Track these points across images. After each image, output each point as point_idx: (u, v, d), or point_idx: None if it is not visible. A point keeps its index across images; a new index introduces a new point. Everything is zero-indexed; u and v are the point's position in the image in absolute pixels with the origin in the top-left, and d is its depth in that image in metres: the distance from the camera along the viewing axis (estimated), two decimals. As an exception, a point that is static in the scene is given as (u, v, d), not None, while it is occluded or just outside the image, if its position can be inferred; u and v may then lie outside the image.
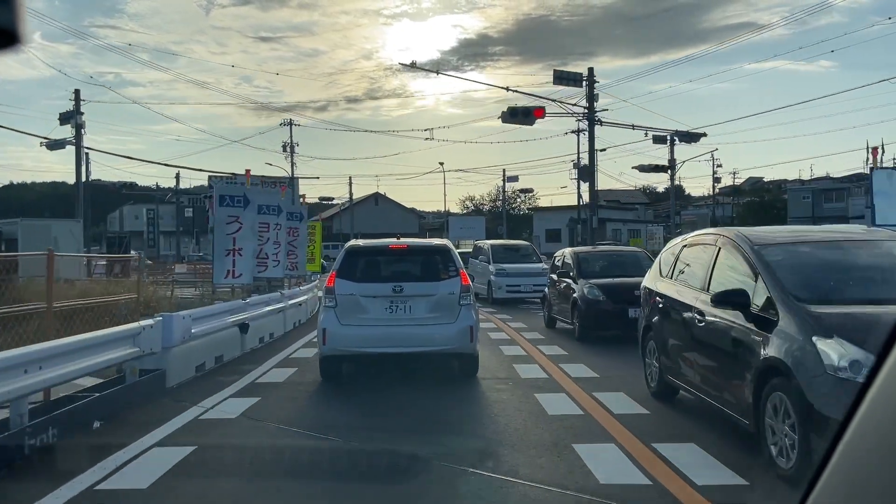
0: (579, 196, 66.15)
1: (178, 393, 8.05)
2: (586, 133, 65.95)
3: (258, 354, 11.28)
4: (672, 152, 38.97)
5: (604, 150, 45.06)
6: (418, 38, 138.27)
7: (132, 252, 71.00)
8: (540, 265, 21.86)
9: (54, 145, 29.04)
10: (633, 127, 24.97)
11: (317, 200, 68.50)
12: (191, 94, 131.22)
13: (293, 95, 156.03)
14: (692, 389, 6.41)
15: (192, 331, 8.86)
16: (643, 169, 37.37)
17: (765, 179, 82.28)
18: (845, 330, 4.38)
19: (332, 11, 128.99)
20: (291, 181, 66.80)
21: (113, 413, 6.72)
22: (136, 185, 70.94)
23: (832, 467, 0.94)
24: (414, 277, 8.63)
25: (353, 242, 9.44)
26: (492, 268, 21.53)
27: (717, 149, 35.04)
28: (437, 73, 37.75)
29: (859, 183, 63.12)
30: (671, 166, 38.01)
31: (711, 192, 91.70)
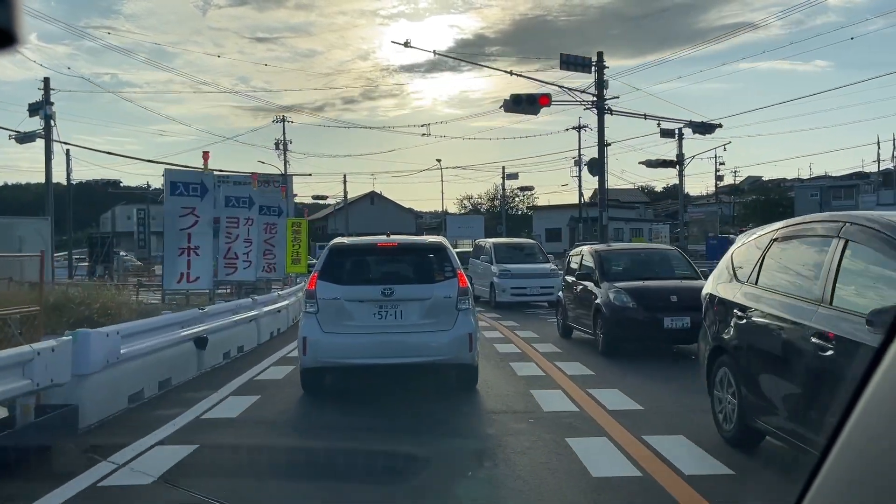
0: (581, 194, 64.26)
1: (93, 436, 6.10)
2: (588, 129, 63.98)
3: (218, 375, 9.32)
4: (680, 146, 37.11)
5: (608, 144, 43.09)
6: (415, 38, 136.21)
7: (122, 253, 69.10)
8: (548, 265, 19.93)
9: (24, 138, 27.01)
10: (644, 117, 23.09)
11: (311, 199, 66.24)
12: (187, 94, 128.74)
13: (290, 96, 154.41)
14: (797, 441, 4.47)
15: (123, 351, 6.91)
16: (651, 164, 35.48)
17: (764, 178, 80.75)
18: None
19: (329, 12, 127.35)
20: (285, 179, 64.96)
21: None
22: (120, 183, 68.88)
23: (830, 464, 0.92)
24: (406, 279, 7.82)
25: (337, 240, 8.58)
26: (495, 268, 19.60)
27: (730, 142, 33.20)
28: (434, 52, 35.63)
29: (868, 180, 61.47)
30: (679, 161, 36.14)
31: (711, 191, 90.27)
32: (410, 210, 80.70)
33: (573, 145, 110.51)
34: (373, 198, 77.04)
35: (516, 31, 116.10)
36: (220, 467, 5.50)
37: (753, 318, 5.13)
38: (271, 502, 4.63)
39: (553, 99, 21.77)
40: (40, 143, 26.73)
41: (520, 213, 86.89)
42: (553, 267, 20.24)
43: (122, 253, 76.06)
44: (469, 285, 7.91)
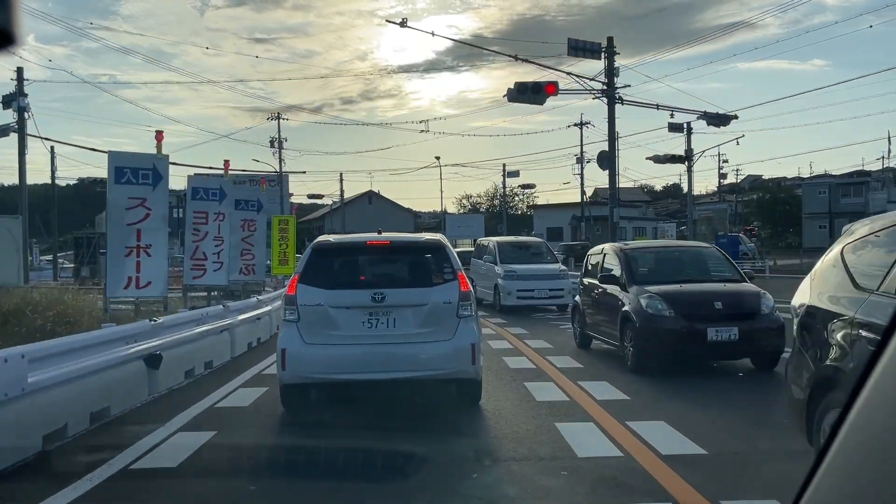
0: (583, 192, 62.81)
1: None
2: (591, 126, 62.30)
3: (172, 401, 7.73)
4: (689, 141, 35.56)
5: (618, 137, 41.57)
6: (413, 38, 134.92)
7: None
8: (556, 266, 18.37)
9: (-3, 132, 25.37)
10: (657, 107, 21.53)
11: (307, 199, 64.61)
12: (186, 95, 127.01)
13: (289, 97, 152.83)
14: None
15: (32, 379, 5.32)
16: (658, 160, 33.85)
17: (763, 177, 79.20)
18: None
19: (326, 13, 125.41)
20: (279, 178, 63.32)
21: None
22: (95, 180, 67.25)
23: (828, 462, 0.92)
24: (399, 282, 6.93)
25: (322, 238, 7.44)
26: (499, 269, 18.02)
27: (743, 135, 31.63)
28: (433, 34, 34.16)
29: (872, 177, 59.91)
30: (688, 156, 34.54)
31: (711, 190, 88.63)
32: (409, 210, 79.06)
33: (573, 142, 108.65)
34: (370, 197, 75.43)
35: (514, 31, 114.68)
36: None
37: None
38: None
39: (560, 88, 20.23)
40: (35, 142, 25.11)
41: (519, 212, 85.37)
42: (562, 268, 18.69)
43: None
44: (471, 289, 6.86)
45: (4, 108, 25.44)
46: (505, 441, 5.84)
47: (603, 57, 20.34)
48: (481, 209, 79.52)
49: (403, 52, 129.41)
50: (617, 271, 9.82)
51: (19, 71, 25.13)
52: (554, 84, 19.21)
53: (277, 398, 6.92)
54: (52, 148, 37.33)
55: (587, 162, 60.94)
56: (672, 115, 22.34)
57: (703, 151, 34.74)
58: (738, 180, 73.94)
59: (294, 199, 73.35)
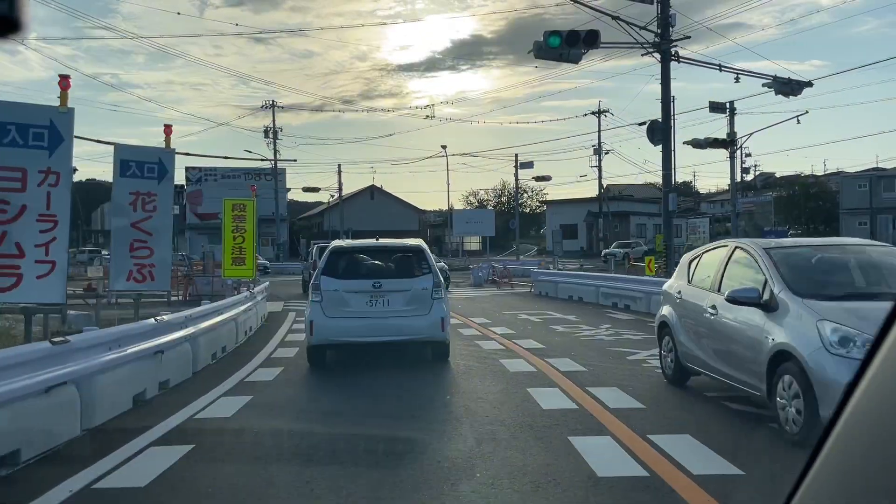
0: (601, 185, 58.60)
1: None
2: (608, 114, 58.07)
3: (62, 458, 3.84)
4: (732, 123, 31.36)
5: (643, 123, 37.35)
6: (412, 39, 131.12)
7: (104, 253, 63.82)
8: None
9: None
10: (720, 67, 17.44)
11: (302, 193, 60.45)
12: (188, 95, 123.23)
13: (289, 97, 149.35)
14: None
15: None
16: (698, 144, 29.55)
17: (776, 174, 75.01)
18: None
19: (325, 13, 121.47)
20: (275, 170, 59.38)
21: None
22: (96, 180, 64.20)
23: (822, 460, 0.92)
24: (391, 274, 9.13)
25: (336, 243, 10.18)
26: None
27: (806, 111, 27.28)
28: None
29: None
30: (732, 140, 30.33)
31: (721, 188, 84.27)
32: (413, 207, 74.95)
33: (583, 132, 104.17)
34: (373, 192, 71.49)
35: (513, 31, 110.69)
36: None
37: None
38: None
39: (602, 42, 16.09)
40: None
41: (529, 210, 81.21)
42: None
43: (104, 252, 70.74)
44: (441, 279, 9.24)
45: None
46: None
47: (655, 1, 16.24)
48: (489, 206, 75.31)
49: (402, 52, 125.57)
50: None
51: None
52: (595, 32, 15.09)
53: None
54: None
55: (605, 153, 56.92)
56: (737, 79, 18.28)
57: (750, 134, 30.57)
58: (753, 176, 69.66)
59: (292, 196, 69.65)
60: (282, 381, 8.09)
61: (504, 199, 79.90)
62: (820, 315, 5.19)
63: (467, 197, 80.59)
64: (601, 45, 15.97)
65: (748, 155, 67.24)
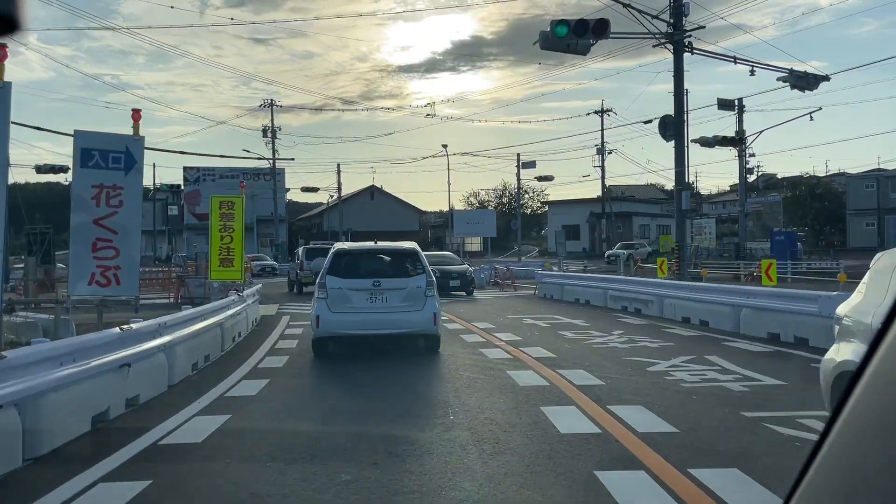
0: (604, 185, 57.76)
1: None
2: (611, 113, 57.25)
3: None
4: (740, 121, 30.64)
5: (649, 121, 36.66)
6: (412, 40, 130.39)
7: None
8: None
9: None
10: (734, 60, 16.63)
11: (301, 192, 59.60)
12: (188, 95, 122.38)
13: (289, 98, 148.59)
14: None
15: None
16: (706, 143, 28.82)
17: (777, 175, 74.12)
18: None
19: (325, 14, 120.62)
20: (273, 170, 58.53)
21: None
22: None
23: (823, 456, 0.90)
24: (389, 274, 10.00)
25: (339, 245, 11.15)
26: None
27: (820, 108, 26.20)
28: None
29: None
30: (741, 138, 29.56)
31: (721, 189, 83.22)
32: (413, 207, 74.08)
33: (585, 131, 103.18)
34: (373, 192, 70.66)
35: (513, 31, 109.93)
36: None
37: None
38: None
39: (612, 32, 15.30)
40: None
41: (530, 210, 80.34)
42: None
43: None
44: (433, 278, 10.05)
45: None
46: None
47: (668, -11, 15.43)
48: (489, 206, 74.41)
49: (404, 52, 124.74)
50: None
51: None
52: (604, 21, 14.28)
53: None
54: None
55: (608, 153, 56.06)
56: (752, 72, 17.45)
57: (761, 132, 29.71)
58: (755, 177, 68.72)
59: (290, 196, 68.81)
60: (265, 397, 7.27)
61: (505, 199, 79.07)
62: None
63: (468, 198, 79.73)
64: (611, 36, 15.16)
65: (752, 155, 66.32)
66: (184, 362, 8.16)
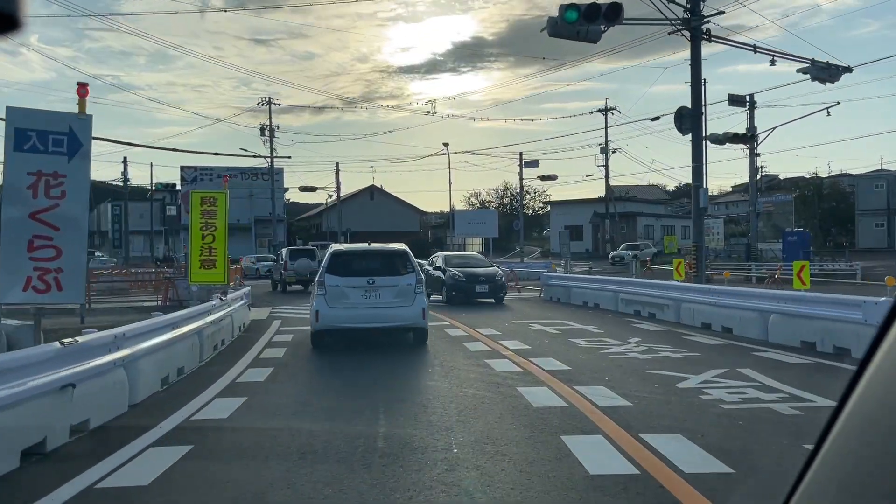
0: (608, 185, 56.69)
1: None
2: (615, 112, 56.19)
3: None
4: (751, 118, 29.67)
5: (656, 118, 35.73)
6: (413, 41, 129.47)
7: (98, 254, 61.90)
8: None
9: None
10: (754, 49, 15.65)
11: (299, 192, 58.65)
12: (189, 96, 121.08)
13: (290, 100, 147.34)
14: None
15: None
16: (716, 139, 27.79)
17: (780, 176, 73.16)
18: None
19: (326, 15, 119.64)
20: (271, 169, 57.51)
21: None
22: (95, 181, 62.68)
23: (821, 459, 0.91)
24: (382, 272, 10.70)
25: (336, 246, 12.01)
26: None
27: (838, 102, 25.27)
28: None
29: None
30: (752, 135, 28.60)
31: (722, 191, 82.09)
32: (414, 207, 73.10)
33: (587, 129, 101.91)
34: (373, 192, 69.71)
35: (514, 32, 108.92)
36: None
37: None
38: None
39: (625, 18, 14.35)
40: None
41: (531, 211, 79.30)
42: None
43: (97, 253, 68.90)
44: (422, 277, 11.10)
45: None
46: None
47: (685, -25, 14.42)
48: (490, 207, 73.43)
49: (403, 53, 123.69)
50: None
51: None
52: (617, 5, 13.29)
53: None
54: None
55: (612, 152, 55.05)
56: (773, 62, 16.46)
57: (773, 129, 28.69)
58: (759, 177, 67.68)
59: (290, 196, 67.82)
60: (240, 419, 6.27)
61: (506, 199, 78.10)
62: None
63: (469, 198, 78.73)
64: (624, 21, 14.17)
65: (757, 155, 65.33)
66: (150, 377, 7.16)
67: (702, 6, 14.56)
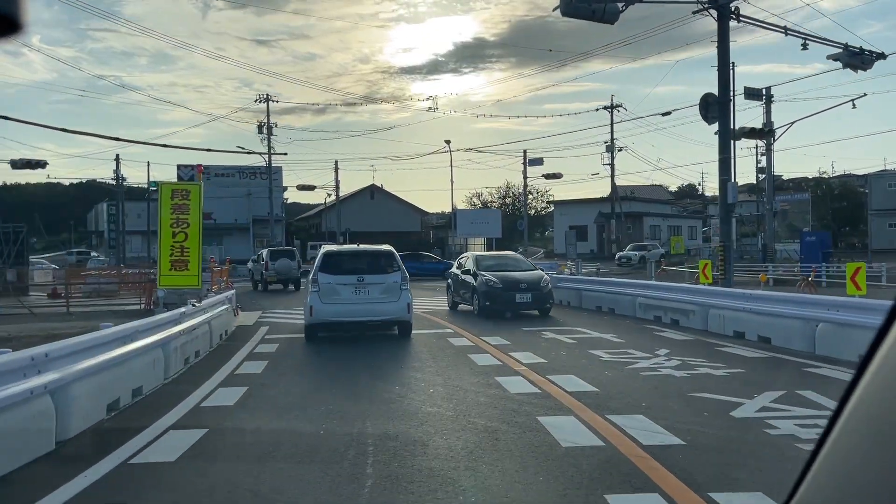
0: (613, 184, 55.29)
1: None
2: (621, 109, 54.94)
3: None
4: (768, 112, 28.36)
5: (668, 113, 34.45)
6: (415, 41, 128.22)
7: (94, 254, 60.60)
8: None
9: None
10: (785, 31, 14.38)
11: (304, 196, 57.36)
12: (190, 97, 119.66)
13: (291, 99, 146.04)
14: None
15: None
16: (732, 134, 26.51)
17: (783, 177, 71.85)
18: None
19: (327, 16, 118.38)
20: (269, 167, 56.18)
21: None
22: (95, 181, 62.00)
23: (821, 459, 0.89)
24: (371, 271, 11.70)
25: (328, 247, 13.02)
26: None
27: (864, 94, 23.64)
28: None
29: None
30: (769, 129, 27.28)
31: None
32: (415, 207, 71.76)
33: (592, 126, 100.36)
34: (373, 192, 68.34)
35: (515, 33, 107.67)
36: None
37: None
38: None
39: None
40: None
41: (534, 211, 77.93)
42: None
43: (93, 253, 67.58)
44: (407, 274, 12.00)
45: None
46: None
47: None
48: (493, 207, 72.12)
49: (404, 54, 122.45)
50: None
51: None
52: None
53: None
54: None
55: (618, 150, 53.68)
56: (805, 46, 15.18)
57: (790, 124, 27.33)
58: (762, 178, 66.37)
59: (290, 196, 66.52)
60: (193, 459, 4.98)
61: (509, 199, 76.79)
62: None
63: (470, 198, 77.43)
64: (645, -1, 12.85)
65: (763, 154, 64.03)
66: (88, 405, 5.86)
67: (730, -17, 13.30)
